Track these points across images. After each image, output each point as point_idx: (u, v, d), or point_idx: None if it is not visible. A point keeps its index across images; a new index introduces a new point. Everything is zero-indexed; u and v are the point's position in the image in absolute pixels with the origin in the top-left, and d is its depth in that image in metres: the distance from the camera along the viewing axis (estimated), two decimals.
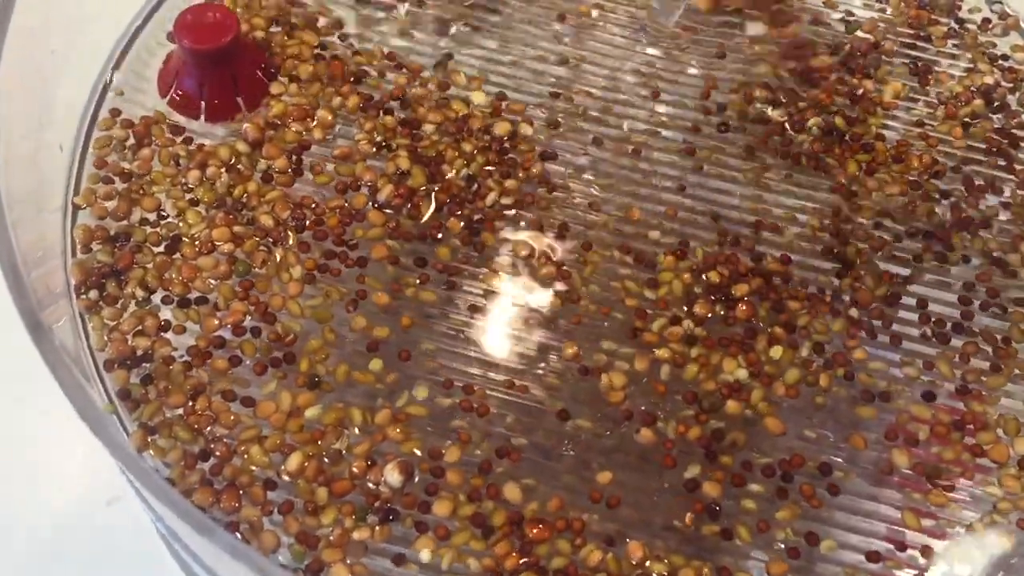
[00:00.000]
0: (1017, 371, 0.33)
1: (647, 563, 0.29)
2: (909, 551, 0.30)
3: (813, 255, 0.35)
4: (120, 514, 0.45)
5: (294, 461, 0.29)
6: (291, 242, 0.33)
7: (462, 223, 0.34)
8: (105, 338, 0.31)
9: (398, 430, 0.30)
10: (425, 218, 0.34)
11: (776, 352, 0.32)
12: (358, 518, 0.29)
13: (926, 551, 0.30)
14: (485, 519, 0.29)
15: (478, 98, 0.37)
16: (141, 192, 0.34)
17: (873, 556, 0.30)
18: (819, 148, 0.37)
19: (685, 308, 0.33)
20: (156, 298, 0.32)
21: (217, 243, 0.33)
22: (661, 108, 0.38)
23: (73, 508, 0.45)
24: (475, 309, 0.33)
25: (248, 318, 0.32)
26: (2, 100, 0.27)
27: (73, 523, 0.45)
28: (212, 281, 0.32)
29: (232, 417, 0.30)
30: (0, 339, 0.45)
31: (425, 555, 0.29)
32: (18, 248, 0.25)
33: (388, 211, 0.34)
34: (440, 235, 0.34)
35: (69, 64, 0.33)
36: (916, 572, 0.30)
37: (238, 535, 0.28)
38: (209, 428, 0.30)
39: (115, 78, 0.36)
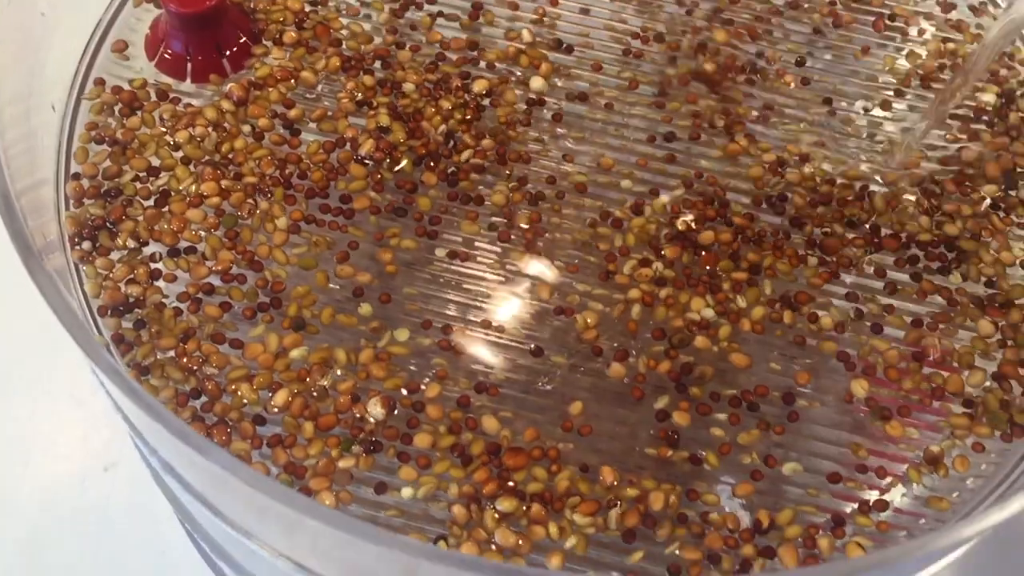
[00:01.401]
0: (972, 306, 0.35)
1: (618, 486, 0.30)
2: (868, 473, 0.32)
3: (779, 205, 0.36)
4: (117, 479, 0.46)
5: (281, 397, 0.31)
6: (277, 195, 0.35)
7: (440, 176, 0.36)
8: (99, 286, 0.32)
9: (381, 368, 0.32)
10: (403, 170, 0.36)
11: (744, 296, 0.34)
12: (343, 448, 0.30)
13: (881, 472, 0.32)
14: (464, 449, 0.31)
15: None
16: (131, 151, 0.35)
17: (834, 477, 0.32)
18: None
19: (655, 252, 0.35)
20: (147, 249, 0.33)
21: (205, 196, 0.34)
22: (635, 62, 0.39)
23: (71, 475, 0.46)
24: (454, 255, 0.34)
25: (235, 267, 0.33)
26: None
27: (71, 490, 0.46)
28: (201, 232, 0.34)
29: (222, 358, 0.32)
30: (4, 320, 0.47)
31: (407, 491, 0.30)
32: (12, 186, 0.26)
33: (369, 164, 0.36)
34: (419, 188, 0.35)
35: (59, 26, 0.34)
36: (877, 491, 0.32)
37: None
38: (199, 369, 0.31)
39: (104, 41, 0.37)
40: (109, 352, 0.31)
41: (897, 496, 0.32)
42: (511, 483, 0.30)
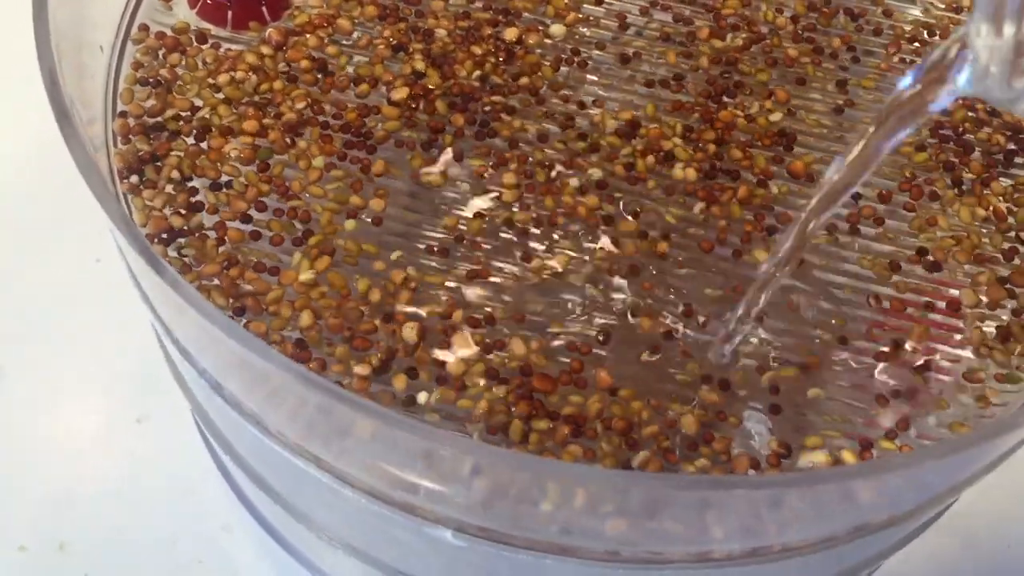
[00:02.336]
0: None
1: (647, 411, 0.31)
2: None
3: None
4: (147, 433, 0.47)
5: (306, 319, 0.32)
6: (313, 134, 0.36)
7: (472, 118, 0.37)
8: (146, 216, 0.33)
9: (411, 294, 0.33)
10: (437, 112, 0.37)
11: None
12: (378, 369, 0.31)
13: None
14: (497, 372, 0.32)
15: None
16: (174, 92, 0.36)
17: (881, 400, 0.33)
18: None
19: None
20: (190, 183, 0.35)
21: (245, 133, 0.35)
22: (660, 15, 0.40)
23: (103, 428, 0.47)
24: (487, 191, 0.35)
25: (272, 199, 0.34)
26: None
27: (104, 443, 0.47)
28: (239, 167, 0.35)
29: (263, 284, 0.33)
30: (31, 276, 0.48)
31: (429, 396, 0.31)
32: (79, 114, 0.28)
33: (403, 108, 0.37)
34: (446, 128, 0.36)
35: None
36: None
37: None
38: (240, 292, 0.32)
39: None
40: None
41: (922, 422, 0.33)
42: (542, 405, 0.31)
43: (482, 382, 0.31)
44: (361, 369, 0.31)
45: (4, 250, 0.49)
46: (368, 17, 0.38)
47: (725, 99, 0.38)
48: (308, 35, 0.38)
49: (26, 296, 0.48)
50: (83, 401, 0.47)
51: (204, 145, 0.35)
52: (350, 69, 0.37)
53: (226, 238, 0.34)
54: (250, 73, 0.37)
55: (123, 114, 0.35)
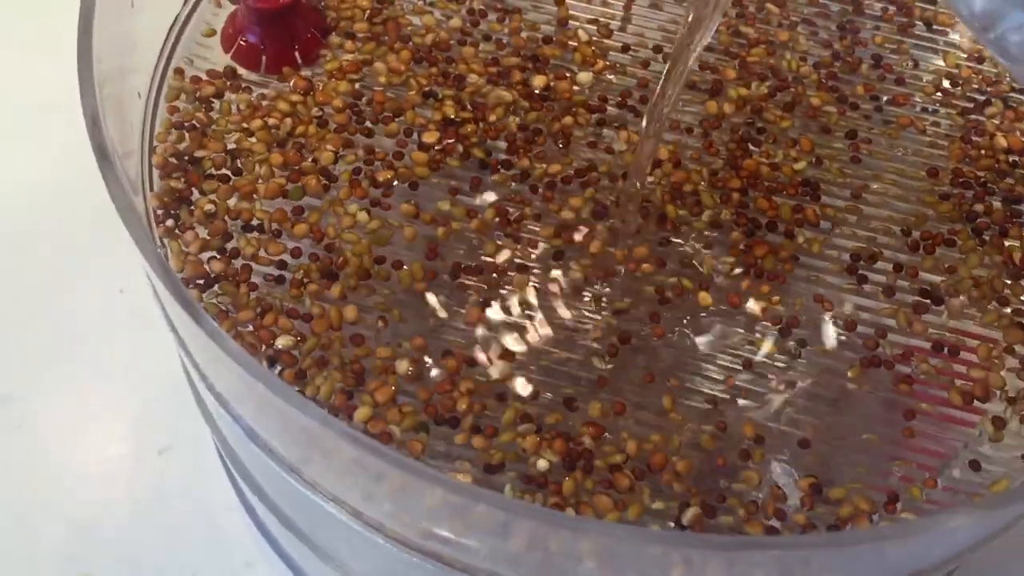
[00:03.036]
0: None
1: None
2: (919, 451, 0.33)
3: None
4: (172, 462, 0.47)
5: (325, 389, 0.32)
6: (344, 177, 0.36)
7: (502, 163, 0.37)
8: (182, 261, 0.34)
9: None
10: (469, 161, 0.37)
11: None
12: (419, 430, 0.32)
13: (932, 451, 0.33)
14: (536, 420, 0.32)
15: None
16: (208, 135, 0.37)
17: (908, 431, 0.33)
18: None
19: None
20: (224, 225, 0.35)
21: (278, 176, 0.36)
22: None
23: (125, 458, 0.47)
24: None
25: (305, 244, 0.35)
26: (98, 43, 0.30)
27: (126, 472, 0.47)
28: (271, 210, 0.35)
29: (295, 331, 0.33)
30: (55, 306, 0.48)
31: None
32: (120, 163, 0.28)
33: (434, 152, 0.37)
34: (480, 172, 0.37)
35: (144, 17, 0.36)
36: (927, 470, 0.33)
37: None
38: (275, 342, 0.33)
39: (183, 33, 0.39)
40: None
41: (946, 474, 0.33)
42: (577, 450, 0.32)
43: (520, 429, 0.32)
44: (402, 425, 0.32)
45: (29, 280, 0.50)
46: (403, 61, 0.39)
47: (751, 147, 0.38)
48: (338, 81, 0.38)
49: (50, 326, 0.49)
50: (107, 430, 0.48)
51: (240, 188, 0.36)
52: (384, 113, 0.38)
53: (258, 283, 0.34)
54: (284, 119, 0.37)
55: (159, 157, 0.36)
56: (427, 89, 0.38)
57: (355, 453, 0.25)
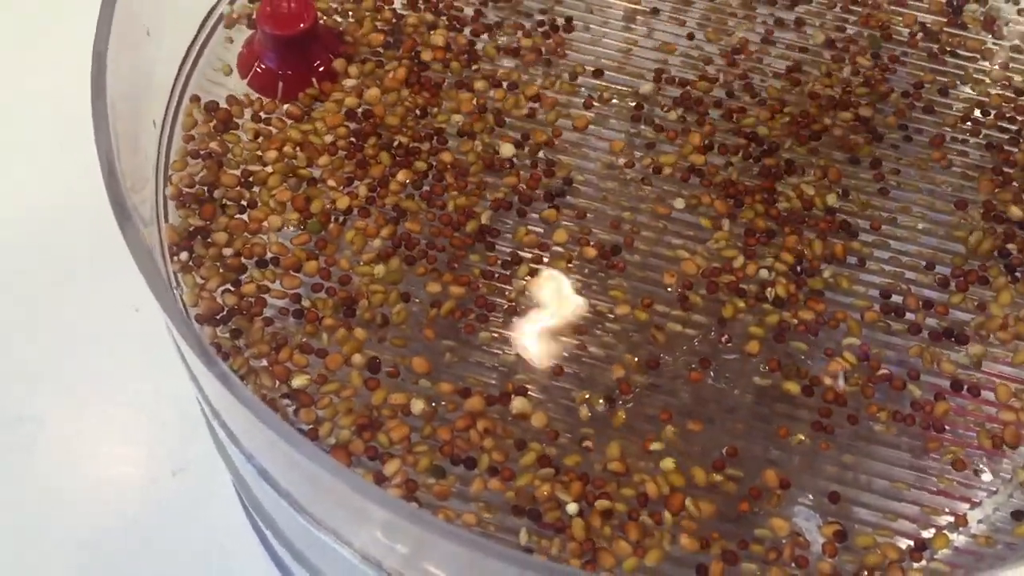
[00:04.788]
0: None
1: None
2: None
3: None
4: (185, 484, 0.47)
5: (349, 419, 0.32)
6: (356, 213, 0.36)
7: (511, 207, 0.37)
8: (196, 297, 0.33)
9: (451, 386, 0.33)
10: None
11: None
12: (435, 475, 0.31)
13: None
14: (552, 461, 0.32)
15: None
16: (224, 166, 0.36)
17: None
18: None
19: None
20: (239, 259, 0.35)
21: (293, 211, 0.35)
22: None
23: (139, 480, 0.47)
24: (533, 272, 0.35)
25: (319, 278, 0.34)
26: (112, 78, 0.30)
27: (139, 494, 0.47)
28: (288, 245, 0.35)
29: (308, 367, 0.33)
30: (71, 325, 0.48)
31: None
32: (129, 198, 0.28)
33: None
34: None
35: (161, 45, 0.36)
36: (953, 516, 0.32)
37: None
38: (291, 380, 0.32)
39: (199, 60, 0.39)
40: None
41: (974, 521, 0.32)
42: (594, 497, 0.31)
43: (539, 472, 0.31)
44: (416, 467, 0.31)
45: (45, 300, 0.50)
46: (398, 80, 0.38)
47: (777, 186, 0.38)
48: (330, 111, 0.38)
49: (65, 345, 0.49)
50: (121, 452, 0.48)
51: (255, 222, 0.35)
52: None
53: (273, 318, 0.34)
54: (296, 149, 0.37)
55: (174, 189, 0.35)
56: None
57: (384, 515, 0.24)
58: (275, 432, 0.25)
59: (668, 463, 0.32)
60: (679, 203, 0.37)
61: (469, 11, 0.41)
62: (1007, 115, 0.40)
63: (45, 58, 0.55)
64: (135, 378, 0.48)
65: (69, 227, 0.51)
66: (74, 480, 0.46)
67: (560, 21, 0.41)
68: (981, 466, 0.33)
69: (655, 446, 0.32)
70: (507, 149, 0.37)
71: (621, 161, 0.38)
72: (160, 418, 0.48)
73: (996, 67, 0.41)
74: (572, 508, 0.31)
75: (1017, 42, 0.42)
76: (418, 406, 0.32)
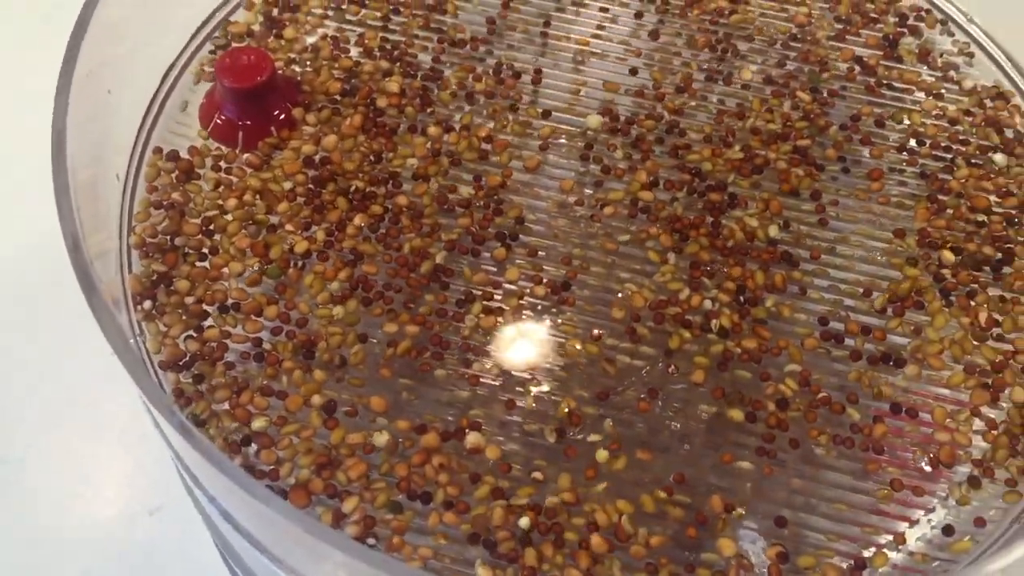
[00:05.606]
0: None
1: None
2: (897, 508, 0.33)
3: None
4: (162, 523, 0.48)
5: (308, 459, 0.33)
6: (315, 257, 0.37)
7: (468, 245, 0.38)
8: (159, 344, 0.35)
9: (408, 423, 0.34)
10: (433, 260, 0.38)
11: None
12: (391, 510, 0.32)
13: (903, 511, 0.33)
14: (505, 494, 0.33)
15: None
16: (185, 215, 0.38)
17: (896, 484, 0.33)
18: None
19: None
20: (201, 306, 0.36)
21: (253, 258, 0.37)
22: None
23: (118, 518, 0.48)
24: (488, 312, 0.37)
25: (279, 321, 0.36)
26: (71, 135, 0.31)
27: (117, 533, 0.48)
28: (248, 289, 0.36)
29: (269, 408, 0.34)
30: (50, 364, 0.49)
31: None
32: (88, 253, 0.29)
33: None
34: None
35: (122, 101, 0.37)
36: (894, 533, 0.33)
37: None
38: (251, 420, 0.34)
39: (161, 112, 0.40)
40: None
41: (912, 539, 0.33)
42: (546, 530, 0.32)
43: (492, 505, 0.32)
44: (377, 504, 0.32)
45: (25, 342, 0.51)
46: (355, 127, 0.40)
47: (721, 220, 0.39)
48: (288, 158, 0.39)
49: (45, 387, 0.50)
50: (100, 492, 0.48)
51: (216, 268, 0.36)
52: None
53: (234, 362, 0.35)
54: (256, 197, 0.38)
55: (137, 239, 0.37)
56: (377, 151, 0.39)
57: (339, 555, 0.26)
58: (230, 478, 0.26)
59: (600, 488, 0.33)
60: (625, 237, 0.38)
61: (424, 57, 0.43)
62: (942, 144, 0.42)
63: (46, 58, 0.56)
64: (112, 419, 0.49)
65: (47, 269, 0.52)
66: (53, 521, 0.47)
67: (513, 65, 0.43)
68: (919, 485, 0.34)
69: (604, 471, 0.33)
70: (462, 191, 0.39)
71: (571, 199, 0.39)
72: (137, 458, 0.49)
73: (930, 99, 0.43)
74: (524, 522, 0.32)
75: (951, 73, 0.44)
76: (381, 439, 0.33)
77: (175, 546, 0.47)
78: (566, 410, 0.35)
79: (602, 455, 0.34)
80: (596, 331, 0.36)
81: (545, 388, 0.35)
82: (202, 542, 0.45)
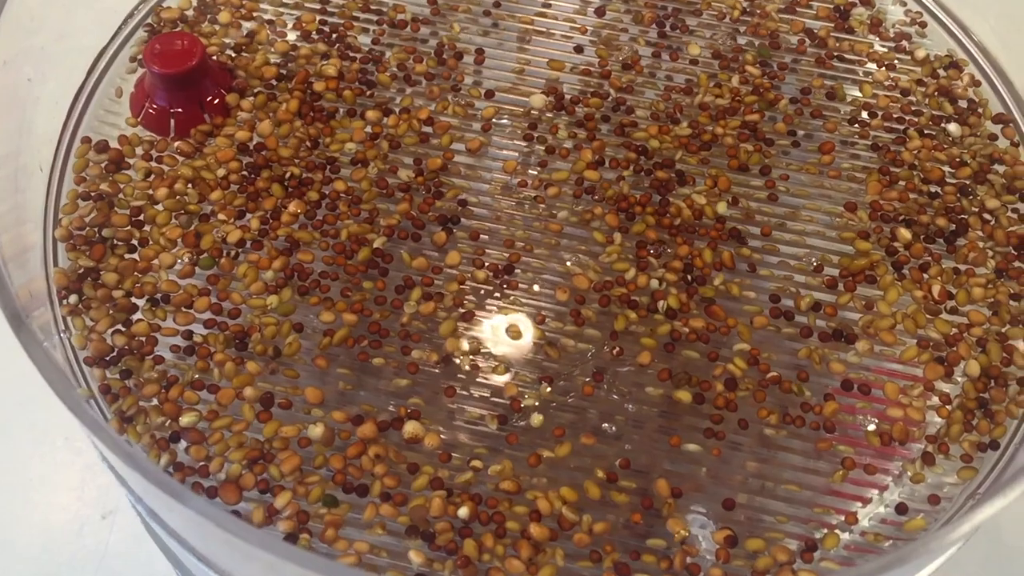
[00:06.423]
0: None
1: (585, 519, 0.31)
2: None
3: None
4: (114, 527, 0.47)
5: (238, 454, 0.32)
6: (249, 246, 0.36)
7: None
8: (85, 339, 0.33)
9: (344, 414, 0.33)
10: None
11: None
12: (326, 504, 0.31)
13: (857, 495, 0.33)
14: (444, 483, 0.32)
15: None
16: (115, 206, 0.36)
17: (849, 463, 0.32)
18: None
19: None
20: (129, 299, 0.35)
21: (184, 248, 0.36)
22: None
23: (69, 523, 0.47)
24: (428, 297, 0.36)
25: (211, 313, 0.34)
26: None
27: (69, 537, 0.47)
28: (179, 281, 0.35)
29: (200, 403, 0.33)
30: (2, 371, 0.48)
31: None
32: (2, 257, 0.28)
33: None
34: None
35: (45, 90, 0.36)
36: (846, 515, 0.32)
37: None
38: (179, 416, 0.32)
39: (90, 102, 0.39)
40: (96, 403, 0.32)
41: (865, 519, 0.33)
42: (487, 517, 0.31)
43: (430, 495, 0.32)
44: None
45: None
46: (291, 112, 0.39)
47: (670, 198, 0.38)
48: (221, 145, 0.38)
49: None
50: (51, 497, 0.47)
51: (145, 261, 0.35)
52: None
53: (164, 356, 0.34)
54: (189, 186, 0.37)
55: (63, 231, 0.36)
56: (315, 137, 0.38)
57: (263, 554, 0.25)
58: (142, 474, 0.25)
59: (542, 480, 0.32)
60: (570, 218, 0.37)
61: (363, 39, 0.42)
62: (894, 115, 0.41)
63: None
64: (61, 424, 0.48)
65: None
66: (3, 527, 0.46)
67: (456, 45, 0.42)
68: (871, 464, 0.33)
69: (547, 459, 0.32)
70: (402, 174, 0.38)
71: (515, 181, 0.38)
72: (87, 462, 0.48)
73: (882, 70, 0.42)
74: (464, 512, 0.31)
75: (904, 43, 0.43)
76: (316, 431, 0.32)
77: (127, 549, 0.46)
78: (508, 396, 0.34)
79: (537, 419, 0.33)
80: (540, 314, 0.35)
81: (487, 374, 0.34)
82: (152, 545, 0.44)
